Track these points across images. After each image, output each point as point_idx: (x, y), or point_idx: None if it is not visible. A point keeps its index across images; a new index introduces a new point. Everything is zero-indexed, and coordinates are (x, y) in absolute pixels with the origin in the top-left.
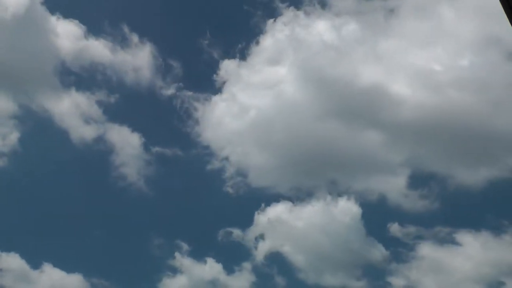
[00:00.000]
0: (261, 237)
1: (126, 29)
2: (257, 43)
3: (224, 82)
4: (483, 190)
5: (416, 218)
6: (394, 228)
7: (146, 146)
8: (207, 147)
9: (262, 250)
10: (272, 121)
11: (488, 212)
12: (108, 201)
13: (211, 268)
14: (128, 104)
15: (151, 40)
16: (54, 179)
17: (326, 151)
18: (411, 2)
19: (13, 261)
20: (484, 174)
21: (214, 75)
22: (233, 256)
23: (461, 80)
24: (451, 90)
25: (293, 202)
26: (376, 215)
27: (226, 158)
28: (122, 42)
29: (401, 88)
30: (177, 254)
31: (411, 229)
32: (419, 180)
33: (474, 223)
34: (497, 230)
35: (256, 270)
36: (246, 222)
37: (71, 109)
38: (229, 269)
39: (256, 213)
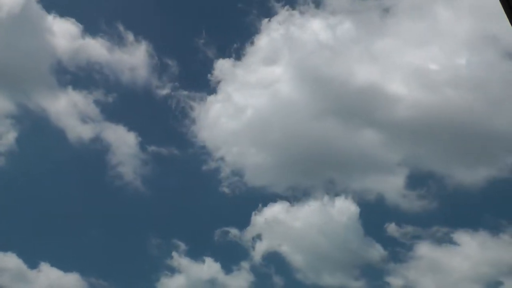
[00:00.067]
0: (258, 237)
1: (122, 28)
2: (253, 42)
3: (220, 82)
4: (481, 190)
5: (414, 217)
6: (392, 228)
7: (142, 146)
8: (203, 147)
9: (259, 250)
10: (268, 121)
11: (486, 211)
12: (105, 201)
13: (209, 267)
14: (124, 103)
15: (147, 39)
16: (51, 179)
17: (323, 151)
18: (406, 1)
19: (10, 260)
20: (482, 173)
21: (210, 75)
22: (231, 256)
23: (458, 79)
24: (448, 89)
25: (290, 202)
26: (374, 215)
27: (223, 158)
28: (118, 41)
29: (398, 87)
30: (174, 254)
31: (409, 228)
32: (417, 179)
33: (472, 223)
34: (495, 229)
35: (254, 269)
36: (243, 222)
37: (67, 108)
38: (228, 269)
39: (253, 213)
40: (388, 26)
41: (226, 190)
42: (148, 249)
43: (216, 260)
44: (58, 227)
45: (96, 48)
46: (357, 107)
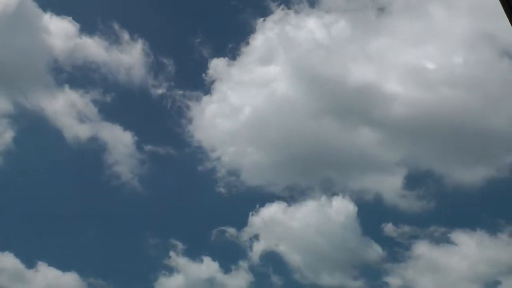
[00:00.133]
0: (256, 237)
1: (119, 26)
2: (249, 41)
3: (216, 81)
4: (479, 189)
5: (411, 217)
6: (389, 228)
7: (138, 145)
8: (200, 146)
9: (257, 250)
10: (265, 120)
11: (484, 211)
12: (102, 200)
13: (208, 266)
14: (121, 102)
15: (143, 38)
16: (48, 178)
17: (321, 150)
18: (402, 0)
19: (7, 260)
20: (480, 173)
21: (206, 74)
22: (229, 255)
23: (455, 78)
24: (445, 88)
25: (287, 202)
26: (372, 214)
27: (219, 157)
28: (115, 39)
29: (394, 86)
30: (172, 253)
31: (406, 228)
32: (415, 179)
33: (470, 222)
34: (493, 229)
35: (253, 269)
36: (241, 222)
37: (64, 108)
38: (226, 268)
39: (250, 214)
40: (384, 25)
41: (223, 190)
42: (146, 249)
43: (214, 260)
44: (55, 227)
45: (93, 47)
46: (354, 106)
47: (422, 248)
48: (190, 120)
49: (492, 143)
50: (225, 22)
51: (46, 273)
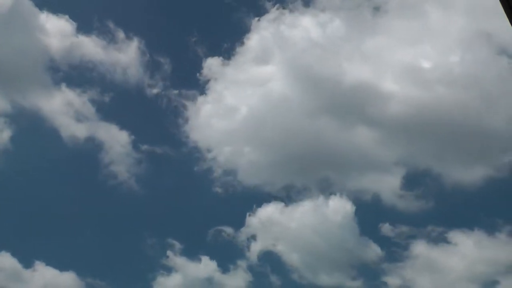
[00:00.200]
0: (253, 238)
1: (115, 25)
2: (245, 41)
3: (212, 81)
4: (477, 189)
5: (410, 217)
6: (387, 228)
7: (135, 145)
8: (196, 146)
9: (254, 250)
10: (261, 120)
11: (481, 210)
12: (98, 199)
13: (206, 266)
14: (117, 101)
15: (139, 38)
16: (45, 177)
17: (318, 149)
18: None
19: (4, 260)
20: (478, 172)
21: (202, 74)
22: (226, 255)
23: (452, 77)
24: (442, 86)
25: (285, 202)
26: (370, 214)
27: (216, 157)
28: (110, 38)
29: (391, 85)
30: (169, 253)
31: (405, 228)
32: (412, 178)
33: (468, 222)
34: (491, 228)
35: (251, 269)
36: (238, 222)
37: (61, 107)
38: (224, 268)
39: (247, 214)
40: (380, 24)
41: (220, 189)
42: (143, 248)
43: (212, 259)
44: (52, 226)
45: (89, 46)
46: (351, 105)
47: (420, 248)
48: (186, 120)
49: (490, 142)
50: (220, 21)
51: (43, 272)
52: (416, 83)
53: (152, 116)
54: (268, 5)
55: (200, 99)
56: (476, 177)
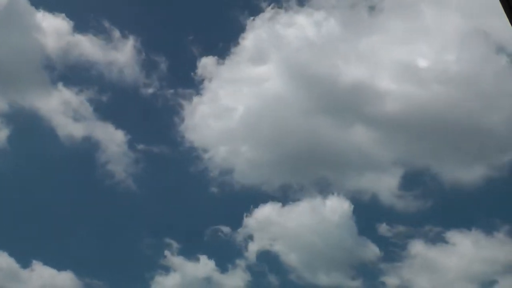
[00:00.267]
0: (250, 238)
1: (111, 24)
2: (240, 40)
3: (209, 80)
4: (475, 188)
5: (408, 217)
6: (384, 228)
7: (131, 144)
8: (193, 145)
9: (252, 250)
10: (257, 119)
11: (479, 210)
12: (96, 199)
13: (205, 265)
14: (113, 101)
15: (135, 36)
16: (42, 177)
17: (315, 148)
18: None
19: (2, 260)
20: (476, 172)
21: (198, 73)
22: (224, 255)
23: (449, 75)
24: (438, 85)
25: (282, 202)
26: (368, 214)
27: (213, 156)
28: (106, 37)
29: (388, 84)
30: (167, 252)
31: (403, 228)
32: (411, 178)
33: (466, 222)
34: (489, 228)
35: (250, 268)
36: (235, 221)
37: (57, 106)
38: (223, 267)
39: (244, 215)
40: (376, 23)
41: (216, 189)
42: (141, 247)
43: (210, 258)
44: (49, 226)
45: (86, 45)
46: (348, 104)
47: (418, 248)
48: (182, 119)
49: (488, 141)
50: (215, 21)
51: (41, 272)
52: (412, 81)
53: (148, 115)
54: (263, 4)
55: (196, 98)
56: (474, 177)
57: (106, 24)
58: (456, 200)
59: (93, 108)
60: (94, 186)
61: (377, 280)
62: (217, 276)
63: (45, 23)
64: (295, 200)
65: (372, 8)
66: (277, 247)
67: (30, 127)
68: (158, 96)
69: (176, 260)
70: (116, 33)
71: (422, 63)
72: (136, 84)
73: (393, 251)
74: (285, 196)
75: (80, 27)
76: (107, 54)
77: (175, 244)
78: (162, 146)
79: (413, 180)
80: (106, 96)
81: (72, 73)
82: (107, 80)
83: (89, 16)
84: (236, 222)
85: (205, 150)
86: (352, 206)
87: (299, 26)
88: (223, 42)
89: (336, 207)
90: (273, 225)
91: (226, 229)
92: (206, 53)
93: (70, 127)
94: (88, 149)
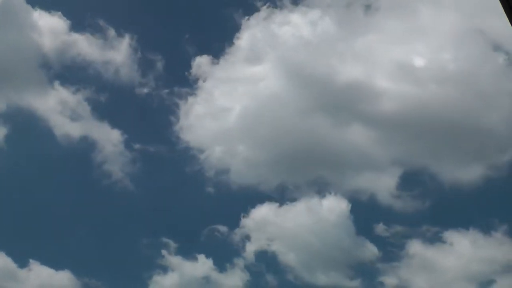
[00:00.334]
0: (248, 238)
1: (106, 23)
2: (235, 40)
3: (204, 80)
4: (473, 188)
5: (406, 216)
6: (383, 227)
7: (128, 144)
8: (189, 145)
9: (250, 250)
10: (253, 119)
11: (477, 210)
12: (93, 199)
13: (203, 265)
14: (110, 100)
15: (130, 35)
16: (39, 176)
17: (312, 148)
18: None
19: None
20: (474, 171)
21: (193, 72)
22: (222, 254)
23: (446, 75)
24: (436, 84)
25: (279, 202)
26: (366, 214)
27: (210, 156)
28: (102, 36)
29: (384, 83)
30: (164, 252)
31: (401, 228)
32: (409, 178)
33: (464, 221)
34: (487, 228)
35: (248, 268)
36: (232, 222)
37: (54, 106)
38: (221, 267)
39: (241, 216)
40: (372, 22)
41: (213, 189)
42: (138, 247)
43: (207, 257)
44: (47, 225)
45: (82, 44)
46: (344, 103)
47: (416, 248)
48: (178, 119)
49: (486, 141)
50: (210, 20)
51: (38, 272)
52: (409, 80)
53: (144, 115)
54: (258, 3)
55: (191, 98)
56: (473, 176)
57: (102, 23)
58: (454, 200)
59: (90, 107)
60: (91, 185)
61: (375, 280)
62: (215, 275)
63: (41, 22)
64: (293, 200)
65: (368, 7)
66: (275, 247)
67: (26, 127)
68: (154, 96)
69: (174, 260)
70: (112, 32)
71: (419, 62)
72: (132, 84)
73: (391, 251)
74: (282, 196)
75: (76, 26)
76: (103, 53)
77: (172, 244)
78: (159, 146)
79: (411, 179)
80: (103, 95)
81: (68, 72)
82: (103, 79)
83: (85, 15)
84: (233, 222)
85: (201, 150)
86: (350, 206)
87: (294, 25)
88: (218, 41)
89: (333, 207)
90: (270, 225)
91: (223, 228)
92: (201, 53)
93: (67, 127)
94: (85, 148)
